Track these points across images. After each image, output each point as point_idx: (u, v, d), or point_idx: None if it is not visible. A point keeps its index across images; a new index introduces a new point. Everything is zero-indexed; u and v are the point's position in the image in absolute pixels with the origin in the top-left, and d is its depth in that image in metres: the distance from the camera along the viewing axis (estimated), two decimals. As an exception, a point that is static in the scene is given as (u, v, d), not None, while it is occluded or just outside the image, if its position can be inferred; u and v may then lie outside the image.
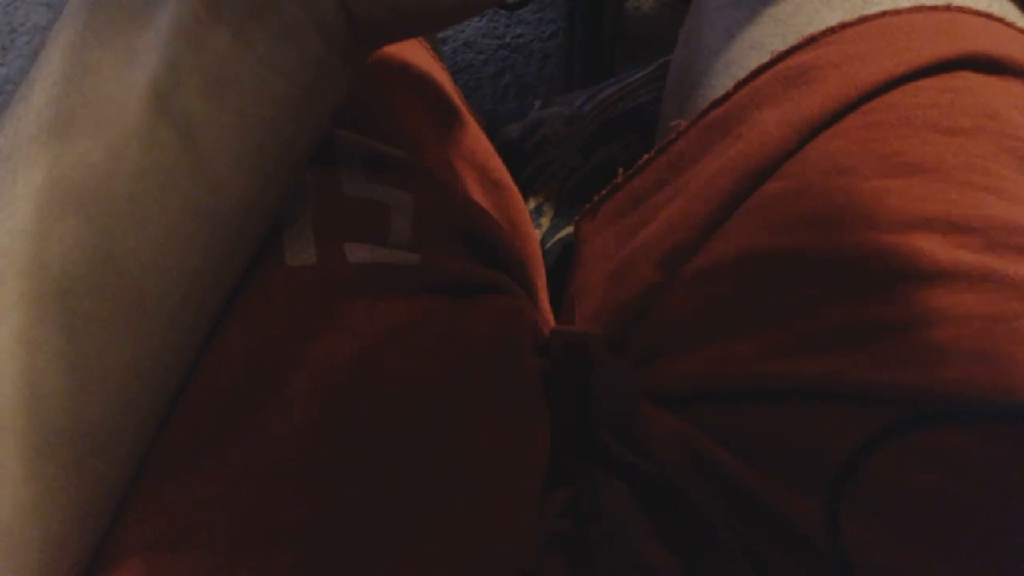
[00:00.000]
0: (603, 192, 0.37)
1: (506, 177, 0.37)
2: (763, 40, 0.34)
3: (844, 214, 0.29)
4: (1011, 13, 0.33)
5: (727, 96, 0.33)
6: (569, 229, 0.41)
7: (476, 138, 0.35)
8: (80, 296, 0.20)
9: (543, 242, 0.41)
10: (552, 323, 0.37)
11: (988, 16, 0.32)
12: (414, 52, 0.34)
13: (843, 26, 0.31)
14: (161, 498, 0.23)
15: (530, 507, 0.26)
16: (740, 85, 0.33)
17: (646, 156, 0.35)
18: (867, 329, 0.27)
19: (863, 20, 0.31)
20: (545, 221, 0.42)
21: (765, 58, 0.32)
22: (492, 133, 0.41)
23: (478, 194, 0.34)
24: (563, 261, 0.39)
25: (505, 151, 0.38)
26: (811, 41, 0.31)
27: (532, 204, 0.43)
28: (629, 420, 0.29)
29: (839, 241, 0.29)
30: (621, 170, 0.36)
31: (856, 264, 0.28)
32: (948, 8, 0.31)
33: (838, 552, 0.21)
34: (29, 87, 0.22)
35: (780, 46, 0.32)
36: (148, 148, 0.21)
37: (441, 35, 0.84)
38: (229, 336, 0.24)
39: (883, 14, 0.31)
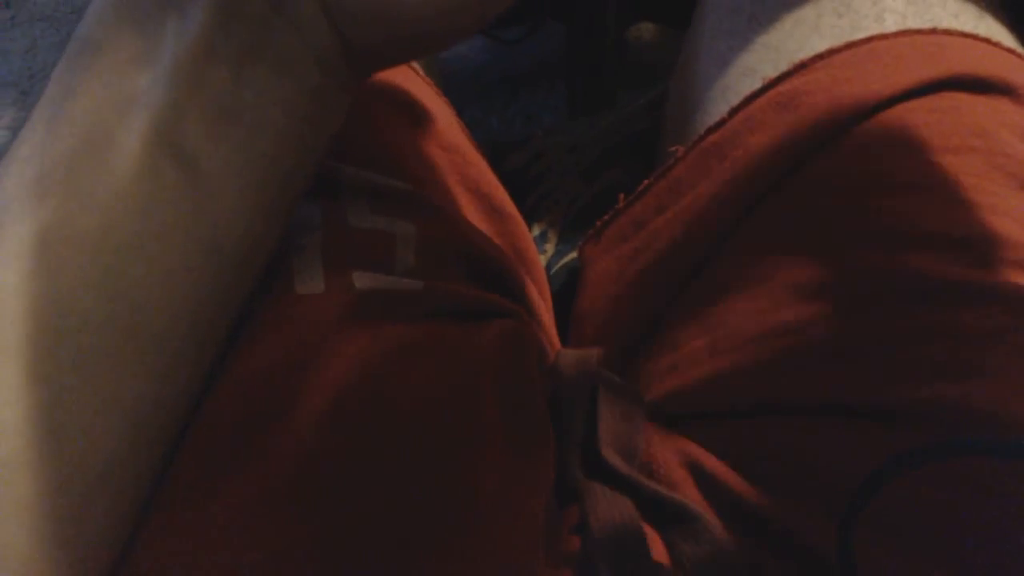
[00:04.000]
0: (605, 217, 0.37)
1: (510, 206, 0.37)
2: (756, 67, 0.34)
3: (839, 233, 0.29)
4: (997, 33, 0.34)
5: (722, 122, 0.34)
6: (573, 255, 0.41)
7: (479, 168, 0.36)
8: (88, 332, 0.21)
9: (548, 268, 0.42)
10: (558, 347, 0.37)
11: (974, 37, 0.32)
12: (417, 87, 0.35)
13: (831, 52, 0.32)
14: (174, 524, 0.23)
15: (535, 527, 0.27)
16: (734, 111, 0.33)
17: (646, 182, 0.36)
18: (864, 347, 0.28)
19: (850, 46, 0.32)
20: (550, 247, 0.43)
21: (758, 84, 0.33)
22: (496, 163, 0.41)
23: (482, 223, 0.34)
24: (568, 287, 0.40)
25: (509, 180, 0.39)
26: (801, 67, 0.32)
27: (536, 231, 0.44)
28: (634, 439, 0.29)
29: (835, 260, 0.29)
30: (622, 196, 0.37)
31: (852, 282, 0.29)
32: (934, 31, 0.32)
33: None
34: (32, 129, 0.22)
35: (772, 72, 0.33)
36: (152, 186, 0.21)
37: (447, 69, 0.86)
38: (241, 362, 0.25)
39: (870, 39, 0.32)
